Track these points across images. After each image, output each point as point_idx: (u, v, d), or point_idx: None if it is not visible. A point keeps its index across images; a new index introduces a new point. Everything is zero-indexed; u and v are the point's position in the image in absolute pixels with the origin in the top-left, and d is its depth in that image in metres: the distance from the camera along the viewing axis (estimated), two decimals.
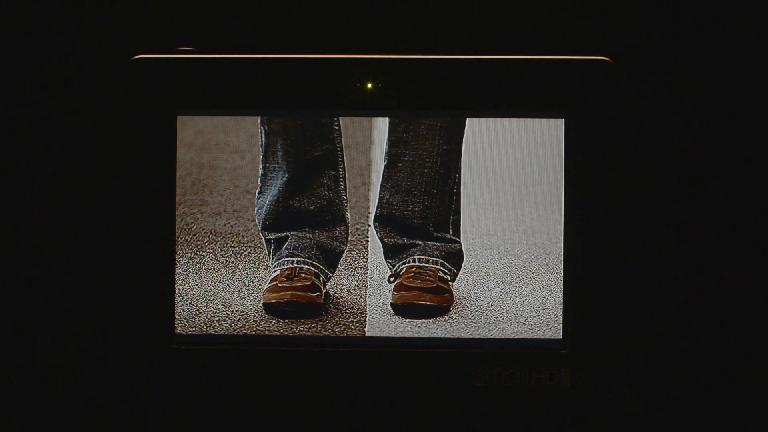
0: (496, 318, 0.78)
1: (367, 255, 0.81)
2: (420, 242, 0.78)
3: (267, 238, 0.79)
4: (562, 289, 0.78)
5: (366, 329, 0.78)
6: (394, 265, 0.79)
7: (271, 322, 0.78)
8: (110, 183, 0.82)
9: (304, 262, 0.79)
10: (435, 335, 0.78)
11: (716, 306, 0.84)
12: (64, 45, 0.85)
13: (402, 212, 0.78)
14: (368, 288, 0.80)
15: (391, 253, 0.79)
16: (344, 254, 0.80)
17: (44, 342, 0.84)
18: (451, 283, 0.78)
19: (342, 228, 0.79)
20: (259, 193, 0.79)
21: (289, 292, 0.78)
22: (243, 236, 0.80)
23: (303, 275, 0.78)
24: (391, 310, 0.78)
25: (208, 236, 0.80)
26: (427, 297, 0.77)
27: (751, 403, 0.84)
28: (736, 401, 0.84)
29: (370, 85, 0.78)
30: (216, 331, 0.78)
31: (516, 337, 0.78)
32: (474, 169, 0.80)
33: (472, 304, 0.79)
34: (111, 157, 0.82)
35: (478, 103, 0.78)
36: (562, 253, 0.78)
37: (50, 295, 0.84)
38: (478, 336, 0.78)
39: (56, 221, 0.84)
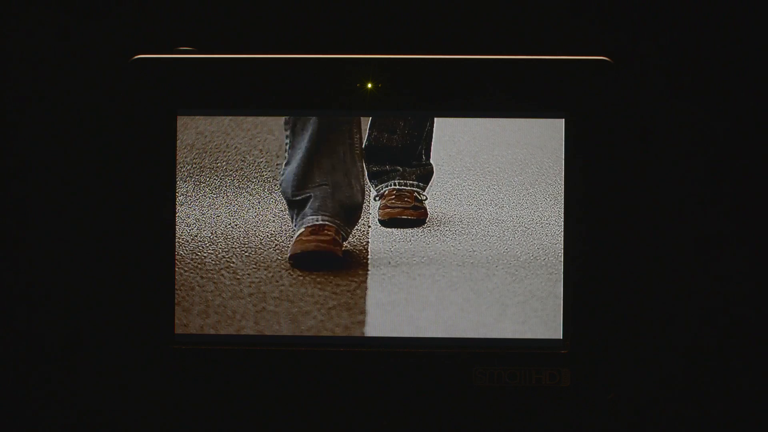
0: (496, 318, 0.78)
1: (367, 255, 0.81)
2: (399, 168, 0.84)
3: (292, 199, 0.83)
4: (562, 289, 0.78)
5: (366, 329, 0.78)
6: (377, 186, 0.84)
7: (271, 322, 0.78)
8: (110, 183, 0.82)
9: (326, 219, 0.83)
10: (435, 335, 0.78)
11: (716, 306, 0.84)
12: (64, 45, 0.85)
13: (388, 145, 0.84)
14: (368, 288, 0.80)
15: (376, 177, 0.84)
16: (362, 208, 0.83)
17: (44, 342, 0.84)
18: (425, 201, 0.82)
19: (358, 186, 0.84)
20: (286, 165, 0.83)
21: (314, 243, 0.82)
22: (244, 237, 0.80)
23: (326, 230, 0.83)
24: (379, 225, 0.82)
25: (209, 237, 0.80)
26: (408, 212, 0.83)
27: (751, 403, 0.84)
28: (736, 401, 0.84)
29: (370, 85, 0.78)
30: (216, 331, 0.78)
31: (516, 337, 0.78)
32: (474, 170, 0.80)
33: (472, 304, 0.79)
34: (111, 157, 0.82)
35: (478, 103, 0.78)
36: (561, 253, 0.78)
37: (50, 295, 0.84)
38: (478, 336, 0.78)
39: (56, 221, 0.84)
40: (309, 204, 0.83)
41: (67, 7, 0.85)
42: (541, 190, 0.79)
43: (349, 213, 0.83)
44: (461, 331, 0.78)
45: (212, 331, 0.78)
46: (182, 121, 0.78)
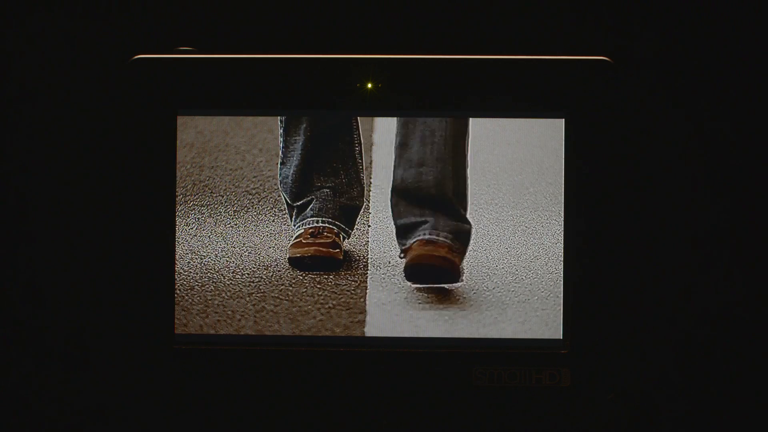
0: (496, 318, 0.78)
1: (367, 255, 0.81)
2: (431, 218, 0.80)
3: (293, 204, 0.82)
4: (562, 289, 0.78)
5: (366, 329, 0.79)
6: (405, 244, 0.80)
7: (271, 322, 0.78)
8: (110, 183, 0.82)
9: (327, 222, 0.82)
10: (435, 335, 0.78)
11: (716, 305, 0.84)
12: (64, 45, 0.85)
13: (416, 183, 0.80)
14: (368, 288, 0.80)
15: (403, 232, 0.80)
16: (361, 210, 0.82)
17: (44, 342, 0.84)
18: (458, 257, 0.79)
19: (358, 188, 0.82)
20: (281, 164, 0.82)
21: (313, 248, 0.81)
22: (243, 236, 0.80)
23: (326, 233, 0.82)
24: (404, 276, 0.80)
25: (209, 236, 0.80)
26: (438, 260, 0.78)
27: (751, 403, 0.84)
28: (736, 401, 0.84)
29: (370, 86, 0.78)
30: (216, 331, 0.78)
31: (516, 337, 0.78)
32: (474, 170, 0.80)
33: (472, 304, 0.79)
34: (111, 157, 0.82)
35: (478, 103, 0.78)
36: (561, 253, 0.78)
37: (50, 295, 0.84)
38: (478, 336, 0.78)
39: (56, 221, 0.84)
40: (310, 206, 0.83)
41: (67, 7, 0.85)
42: (541, 190, 0.79)
43: (350, 214, 0.83)
44: (461, 331, 0.78)
45: (212, 331, 0.78)
46: (182, 120, 0.78)
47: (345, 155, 0.82)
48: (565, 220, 0.78)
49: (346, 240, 0.82)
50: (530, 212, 0.79)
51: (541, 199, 0.79)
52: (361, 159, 0.83)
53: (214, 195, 0.80)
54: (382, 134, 0.82)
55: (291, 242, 0.81)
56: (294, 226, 0.82)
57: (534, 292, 0.79)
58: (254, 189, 0.81)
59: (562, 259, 0.78)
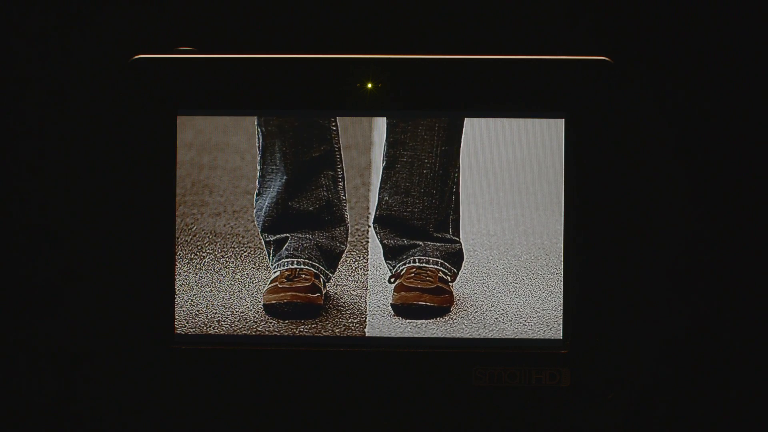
0: (496, 318, 0.79)
1: (367, 255, 0.81)
2: (420, 243, 0.79)
3: (267, 239, 0.80)
4: (562, 289, 0.78)
5: (366, 329, 0.78)
6: (394, 266, 0.80)
7: (271, 322, 0.78)
8: (110, 183, 0.82)
9: (304, 263, 0.79)
10: (435, 335, 0.78)
11: (716, 306, 0.84)
12: (64, 45, 0.85)
13: (401, 213, 0.79)
14: (368, 288, 0.80)
15: (391, 254, 0.80)
16: (344, 254, 0.80)
17: (44, 342, 0.84)
18: (451, 284, 0.79)
19: (341, 228, 0.80)
20: (257, 195, 0.80)
21: (289, 293, 0.78)
22: (243, 236, 0.80)
23: (303, 276, 0.79)
24: (392, 311, 0.78)
25: (208, 237, 0.80)
26: (427, 297, 0.78)
27: (750, 403, 0.84)
28: (736, 401, 0.84)
29: (369, 85, 0.78)
30: (216, 331, 0.78)
31: (516, 337, 0.78)
32: (474, 169, 0.80)
33: (472, 304, 0.79)
34: (111, 157, 0.82)
35: (478, 103, 0.78)
36: (562, 253, 0.78)
37: (50, 294, 0.84)
38: (478, 336, 0.78)
39: (56, 221, 0.84)
40: (285, 245, 0.79)
41: (68, 7, 0.85)
42: (541, 190, 0.79)
43: (330, 256, 0.80)
44: (461, 331, 0.78)
45: (212, 331, 0.78)
46: (182, 120, 0.78)
47: (330, 190, 0.80)
48: (565, 220, 0.78)
49: (327, 283, 0.79)
50: (530, 212, 0.79)
51: (541, 199, 0.79)
52: (345, 196, 0.81)
53: (214, 194, 0.80)
54: (382, 134, 0.82)
55: (266, 287, 0.79)
56: (271, 265, 0.80)
57: (534, 292, 0.79)
58: (254, 189, 0.81)
59: (562, 259, 0.78)
